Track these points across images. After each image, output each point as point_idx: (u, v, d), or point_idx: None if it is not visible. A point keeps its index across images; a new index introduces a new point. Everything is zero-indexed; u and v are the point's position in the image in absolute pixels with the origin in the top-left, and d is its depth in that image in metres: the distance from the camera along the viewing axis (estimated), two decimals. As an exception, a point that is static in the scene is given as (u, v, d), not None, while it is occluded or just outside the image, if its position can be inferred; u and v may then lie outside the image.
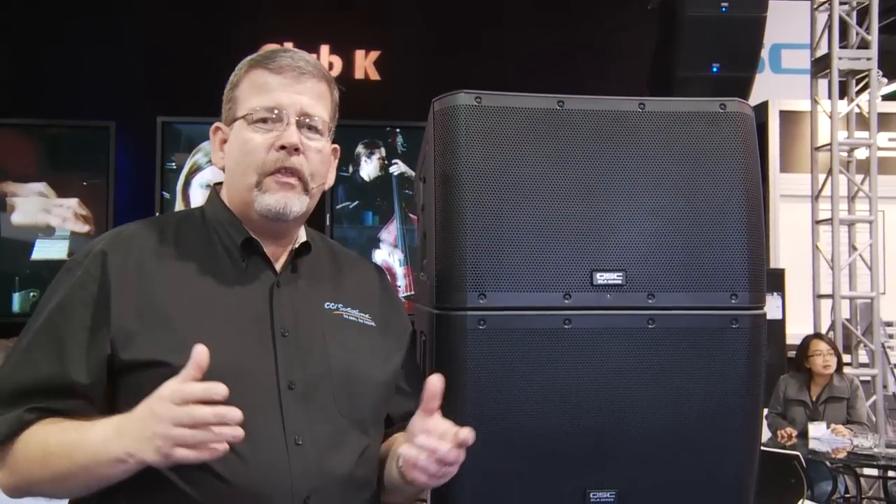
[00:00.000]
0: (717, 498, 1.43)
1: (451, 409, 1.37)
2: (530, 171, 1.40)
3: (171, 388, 1.02)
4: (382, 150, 5.49)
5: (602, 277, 1.41)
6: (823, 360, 4.46)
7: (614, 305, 1.40)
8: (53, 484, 1.12)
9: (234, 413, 1.00)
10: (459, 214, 1.37)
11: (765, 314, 1.46)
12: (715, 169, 1.45)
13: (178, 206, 5.26)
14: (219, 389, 1.00)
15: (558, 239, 1.40)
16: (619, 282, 1.41)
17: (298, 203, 1.23)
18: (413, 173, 5.44)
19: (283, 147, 1.20)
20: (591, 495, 1.41)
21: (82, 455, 1.07)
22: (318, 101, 1.25)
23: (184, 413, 1.00)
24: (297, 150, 1.21)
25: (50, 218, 5.27)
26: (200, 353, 1.02)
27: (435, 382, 1.16)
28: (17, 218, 5.27)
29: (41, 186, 5.30)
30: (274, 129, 1.21)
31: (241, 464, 1.11)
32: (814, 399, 4.52)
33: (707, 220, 1.43)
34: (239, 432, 1.01)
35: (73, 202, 5.31)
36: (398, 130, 5.48)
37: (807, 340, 4.62)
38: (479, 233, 1.37)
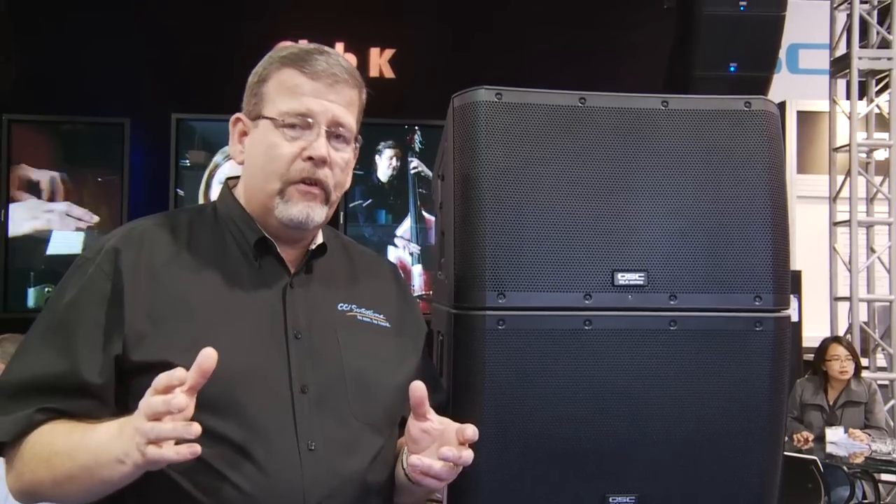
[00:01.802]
0: (740, 502, 1.40)
1: (470, 410, 1.35)
2: (551, 168, 1.38)
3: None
4: (396, 149, 5.47)
5: (623, 278, 1.38)
6: (841, 364, 4.41)
7: (636, 306, 1.38)
8: (56, 487, 1.08)
9: (178, 400, 0.94)
10: (479, 213, 1.35)
11: (789, 317, 1.43)
12: (739, 168, 1.42)
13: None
14: (176, 374, 0.95)
15: (579, 238, 1.37)
16: (641, 282, 1.39)
17: (320, 213, 1.21)
18: (429, 172, 5.42)
19: (310, 158, 1.18)
20: (610, 499, 1.38)
21: (85, 455, 1.04)
22: (348, 110, 1.22)
23: (145, 404, 0.96)
24: (324, 161, 1.19)
25: (37, 223, 5.26)
26: (207, 358, 0.97)
27: (418, 387, 1.13)
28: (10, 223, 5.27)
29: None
30: (302, 137, 1.18)
31: (253, 470, 1.09)
32: (831, 403, 4.47)
33: (731, 220, 1.41)
34: (194, 428, 0.95)
35: (62, 206, 5.29)
36: (416, 128, 5.45)
37: (825, 344, 4.57)
38: (499, 231, 1.35)
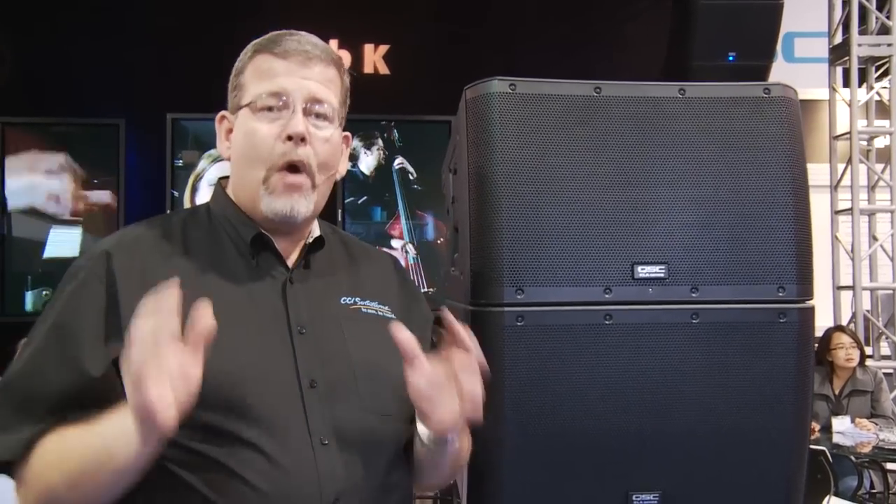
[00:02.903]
0: (765, 499, 1.38)
1: (489, 407, 1.32)
2: (567, 160, 1.35)
3: None
4: (380, 141, 5.43)
5: (644, 270, 1.35)
6: (846, 353, 4.39)
7: (656, 300, 1.35)
8: (71, 490, 1.03)
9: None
10: (495, 207, 1.32)
11: (813, 308, 1.40)
12: (759, 156, 1.39)
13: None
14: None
15: (598, 231, 1.34)
16: (662, 275, 1.35)
17: (305, 204, 1.17)
18: (412, 168, 5.39)
19: (289, 137, 1.15)
20: (633, 497, 1.35)
21: (95, 443, 1.00)
22: (326, 87, 1.19)
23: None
24: (303, 139, 1.15)
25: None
26: (202, 316, 0.93)
27: (403, 334, 1.05)
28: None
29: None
30: (280, 118, 1.15)
31: (267, 467, 1.06)
32: (837, 393, 4.45)
33: (752, 209, 1.37)
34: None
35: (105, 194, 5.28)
36: (393, 124, 5.41)
37: (829, 333, 4.55)
38: (516, 226, 1.31)
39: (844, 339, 4.45)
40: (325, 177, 1.20)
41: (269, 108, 1.16)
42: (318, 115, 1.18)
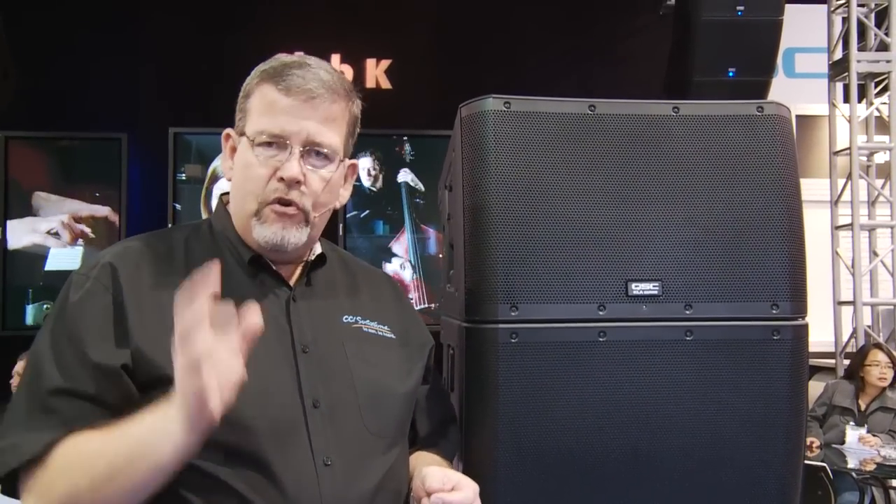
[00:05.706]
0: (760, 517, 1.38)
1: (483, 424, 1.33)
2: (562, 177, 1.36)
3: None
4: (376, 159, 5.44)
5: (637, 288, 1.36)
6: (880, 371, 4.34)
7: (650, 317, 1.36)
8: (95, 491, 1.01)
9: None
10: (489, 224, 1.33)
11: (807, 325, 1.40)
12: (753, 174, 1.40)
13: (202, 217, 5.21)
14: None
15: (592, 248, 1.35)
16: (656, 292, 1.36)
17: (297, 235, 1.17)
18: (420, 182, 5.41)
19: (282, 178, 1.15)
20: (627, 514, 1.35)
21: (128, 440, 0.99)
22: (328, 126, 1.18)
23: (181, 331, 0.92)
24: (298, 182, 1.16)
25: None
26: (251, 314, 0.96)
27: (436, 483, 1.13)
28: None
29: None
30: (277, 156, 1.16)
31: (271, 487, 1.06)
32: (863, 409, 4.41)
33: (746, 227, 1.38)
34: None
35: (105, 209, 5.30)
36: (405, 139, 5.43)
37: (865, 349, 4.51)
38: (510, 243, 1.32)
39: (881, 356, 4.39)
40: (319, 213, 1.20)
41: (269, 145, 1.16)
42: (317, 154, 1.18)
